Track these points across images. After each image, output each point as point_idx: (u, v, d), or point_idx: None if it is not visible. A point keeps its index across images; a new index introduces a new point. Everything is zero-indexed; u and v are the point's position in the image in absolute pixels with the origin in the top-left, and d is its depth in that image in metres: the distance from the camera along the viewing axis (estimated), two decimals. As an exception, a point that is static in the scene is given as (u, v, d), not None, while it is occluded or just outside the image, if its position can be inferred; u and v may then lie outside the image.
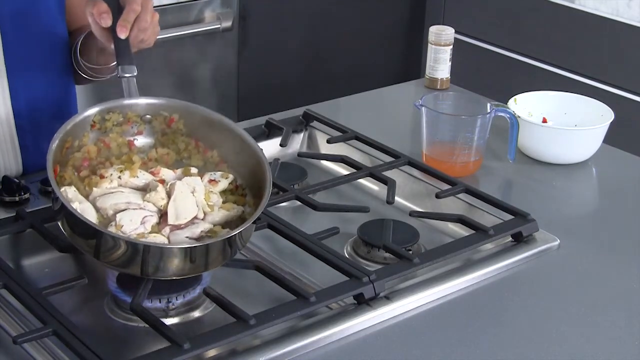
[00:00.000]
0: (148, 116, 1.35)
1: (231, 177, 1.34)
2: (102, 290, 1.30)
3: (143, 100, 1.35)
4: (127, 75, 1.37)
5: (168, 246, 1.21)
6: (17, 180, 1.48)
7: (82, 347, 1.11)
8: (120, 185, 1.29)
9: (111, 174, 1.29)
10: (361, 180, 1.62)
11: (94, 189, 1.28)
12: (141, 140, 1.36)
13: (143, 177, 1.31)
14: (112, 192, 1.27)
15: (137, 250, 1.19)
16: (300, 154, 1.70)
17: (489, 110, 1.64)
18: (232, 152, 1.35)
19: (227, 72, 2.90)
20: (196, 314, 1.28)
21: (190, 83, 2.84)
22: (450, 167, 1.62)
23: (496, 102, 1.67)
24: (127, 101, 1.35)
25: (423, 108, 1.64)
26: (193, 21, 2.74)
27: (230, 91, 2.93)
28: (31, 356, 1.15)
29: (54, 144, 1.25)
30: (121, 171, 1.30)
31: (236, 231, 1.22)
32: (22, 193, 1.46)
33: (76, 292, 1.30)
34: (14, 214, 1.39)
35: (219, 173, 1.34)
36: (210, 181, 1.33)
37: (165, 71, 2.76)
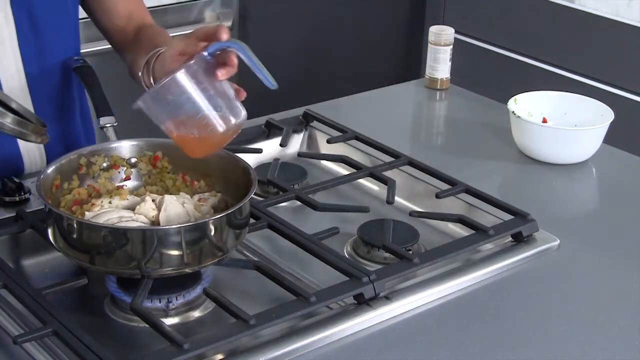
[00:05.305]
0: (133, 159, 1.41)
1: (219, 195, 1.36)
2: (102, 290, 1.30)
3: (126, 142, 1.41)
4: (108, 125, 1.48)
5: (155, 227, 1.24)
6: (17, 180, 1.48)
7: (82, 347, 1.11)
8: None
9: (102, 201, 1.34)
10: (361, 180, 1.62)
11: (86, 212, 1.31)
12: (130, 185, 1.41)
13: (133, 200, 1.35)
14: (104, 212, 1.30)
15: (125, 238, 1.19)
16: (300, 154, 1.70)
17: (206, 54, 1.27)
18: (217, 173, 1.38)
19: (227, 72, 2.90)
20: (196, 314, 1.28)
21: (190, 83, 2.84)
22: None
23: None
24: (110, 145, 1.41)
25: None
26: (193, 21, 2.74)
27: (230, 91, 2.93)
28: (31, 356, 1.15)
29: (43, 175, 1.29)
30: (111, 196, 1.35)
31: (221, 214, 1.23)
32: (22, 193, 1.46)
33: (76, 292, 1.30)
34: (14, 214, 1.40)
35: (207, 193, 1.37)
36: (200, 199, 1.35)
37: (165, 71, 2.76)
